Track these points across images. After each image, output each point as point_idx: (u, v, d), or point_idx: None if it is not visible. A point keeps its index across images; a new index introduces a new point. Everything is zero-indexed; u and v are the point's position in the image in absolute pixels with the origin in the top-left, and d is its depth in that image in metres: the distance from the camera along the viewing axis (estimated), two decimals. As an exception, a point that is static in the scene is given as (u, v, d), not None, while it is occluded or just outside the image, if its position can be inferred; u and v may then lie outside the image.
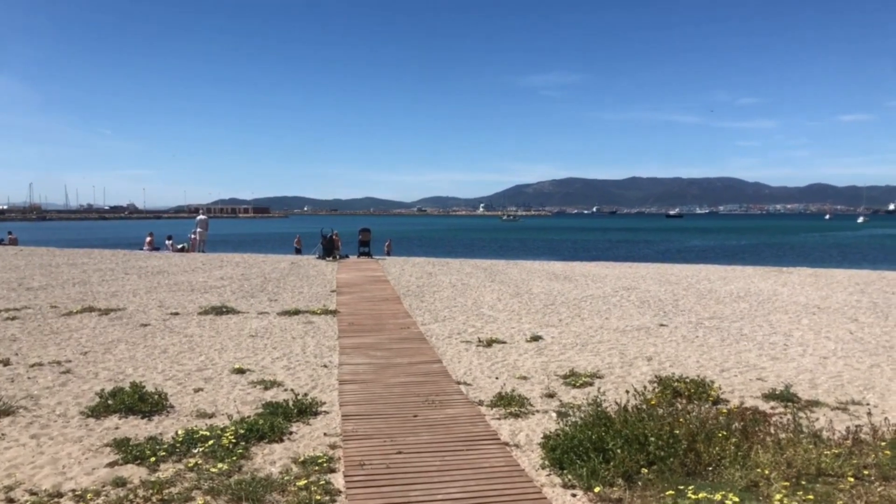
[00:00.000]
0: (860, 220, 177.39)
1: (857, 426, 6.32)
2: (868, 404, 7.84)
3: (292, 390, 8.05)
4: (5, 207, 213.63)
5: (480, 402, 7.78)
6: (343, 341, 11.11)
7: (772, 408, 7.60)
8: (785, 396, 8.01)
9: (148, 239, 32.41)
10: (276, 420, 6.83)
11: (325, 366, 9.59)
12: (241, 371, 9.20)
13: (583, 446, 5.73)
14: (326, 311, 13.90)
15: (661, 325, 12.97)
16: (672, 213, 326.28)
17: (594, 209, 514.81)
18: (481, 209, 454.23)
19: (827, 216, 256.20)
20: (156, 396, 7.50)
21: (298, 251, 32.84)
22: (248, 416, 7.04)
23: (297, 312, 13.85)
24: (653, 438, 5.64)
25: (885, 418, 6.72)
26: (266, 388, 8.38)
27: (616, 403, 6.78)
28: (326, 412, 7.43)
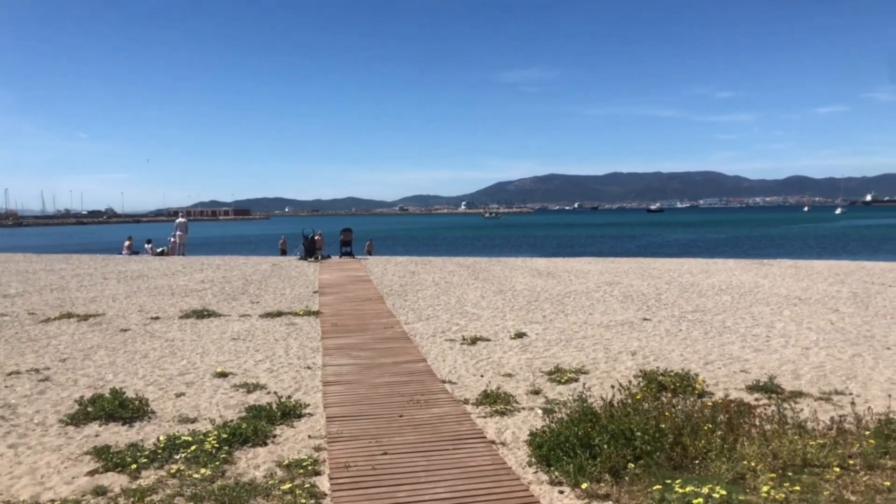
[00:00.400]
0: (838, 211, 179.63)
1: (840, 416, 6.36)
2: (851, 394, 7.90)
3: (275, 393, 7.97)
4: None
5: (466, 401, 7.74)
6: (326, 342, 11.03)
7: (756, 399, 7.63)
8: (769, 388, 8.04)
9: (127, 243, 32.05)
10: (259, 423, 6.75)
11: (309, 367, 9.50)
12: (223, 375, 9.08)
13: (569, 443, 5.70)
14: (309, 313, 13.80)
15: (645, 319, 13.00)
16: (653, 207, 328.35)
17: (576, 205, 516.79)
18: (463, 207, 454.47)
19: (805, 208, 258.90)
20: (136, 402, 7.38)
21: (284, 252, 32.69)
22: (231, 421, 6.95)
23: (279, 314, 13.73)
24: (639, 433, 5.63)
25: (868, 407, 6.77)
26: (249, 392, 8.28)
27: (602, 399, 6.78)
28: (311, 414, 7.35)
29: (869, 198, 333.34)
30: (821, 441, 5.66)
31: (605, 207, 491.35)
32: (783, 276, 19.86)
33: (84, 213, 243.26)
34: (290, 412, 7.26)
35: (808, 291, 16.39)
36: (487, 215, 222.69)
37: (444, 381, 8.59)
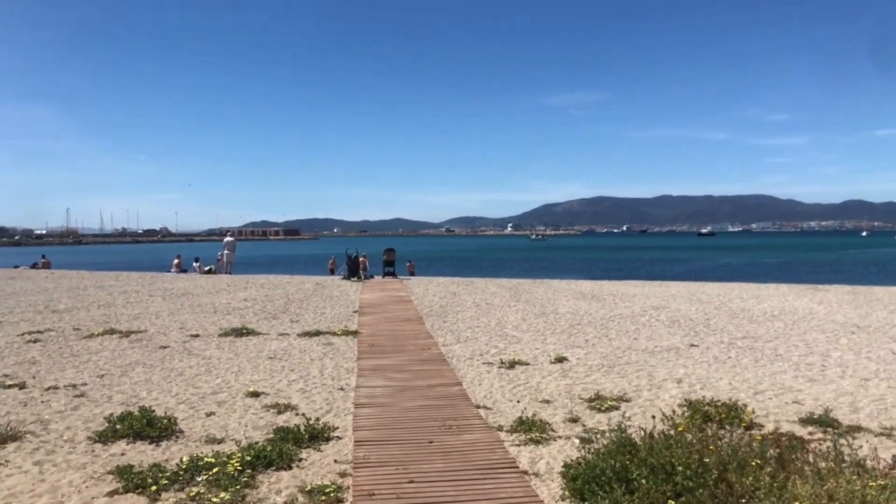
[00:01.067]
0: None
1: (903, 454, 5.87)
2: (915, 429, 7.35)
3: (304, 414, 7.80)
4: (44, 232, 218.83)
5: (500, 428, 7.45)
6: (362, 363, 10.86)
7: (810, 433, 7.15)
8: (824, 421, 7.54)
9: (175, 261, 32.70)
10: (285, 446, 6.57)
11: (342, 389, 9.33)
12: (255, 394, 8.98)
13: (605, 476, 5.36)
14: (347, 332, 13.68)
15: (692, 345, 12.50)
16: (704, 231, 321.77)
17: (624, 228, 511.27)
18: (509, 229, 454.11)
19: (864, 233, 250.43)
20: (165, 421, 7.30)
21: (332, 272, 32.93)
22: (257, 442, 6.78)
23: (317, 333, 13.65)
24: (680, 467, 5.26)
25: (935, 445, 6.25)
26: (279, 413, 8.14)
27: (642, 429, 6.41)
28: (339, 437, 7.16)
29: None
30: (882, 482, 5.20)
31: (655, 230, 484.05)
32: (840, 302, 19.00)
33: (140, 231, 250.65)
34: (318, 435, 7.08)
35: (867, 319, 15.60)
36: (534, 237, 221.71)
37: (478, 406, 8.31)
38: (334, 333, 13.64)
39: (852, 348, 12.08)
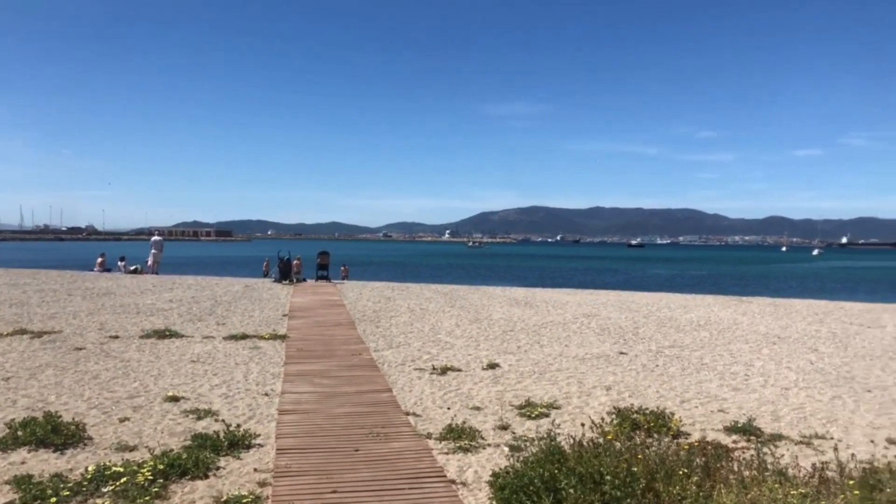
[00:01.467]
0: (815, 252, 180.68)
1: (822, 463, 5.98)
2: (832, 438, 7.55)
3: (224, 421, 7.45)
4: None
5: (429, 435, 7.29)
6: (289, 368, 10.53)
7: (734, 442, 7.25)
8: (747, 430, 7.67)
9: (99, 260, 31.33)
10: (202, 454, 6.25)
11: (267, 394, 9.00)
12: (174, 399, 8.56)
13: (533, 485, 5.26)
14: (275, 336, 13.28)
15: (621, 353, 12.63)
16: (634, 242, 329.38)
17: (558, 237, 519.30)
18: (447, 235, 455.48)
19: (784, 248, 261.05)
20: (72, 427, 6.85)
21: (266, 274, 32.13)
22: (173, 450, 6.43)
23: (244, 337, 13.20)
24: (609, 476, 5.20)
25: (852, 454, 6.39)
26: (199, 419, 7.77)
27: (571, 437, 6.35)
28: (261, 445, 6.86)
29: (844, 240, 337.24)
30: (802, 490, 5.26)
31: (587, 241, 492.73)
32: (762, 313, 19.63)
33: (63, 228, 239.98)
34: (238, 442, 6.77)
35: (788, 330, 16.14)
36: (471, 244, 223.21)
37: (407, 413, 8.13)
38: (262, 337, 13.23)
39: (773, 358, 12.43)
